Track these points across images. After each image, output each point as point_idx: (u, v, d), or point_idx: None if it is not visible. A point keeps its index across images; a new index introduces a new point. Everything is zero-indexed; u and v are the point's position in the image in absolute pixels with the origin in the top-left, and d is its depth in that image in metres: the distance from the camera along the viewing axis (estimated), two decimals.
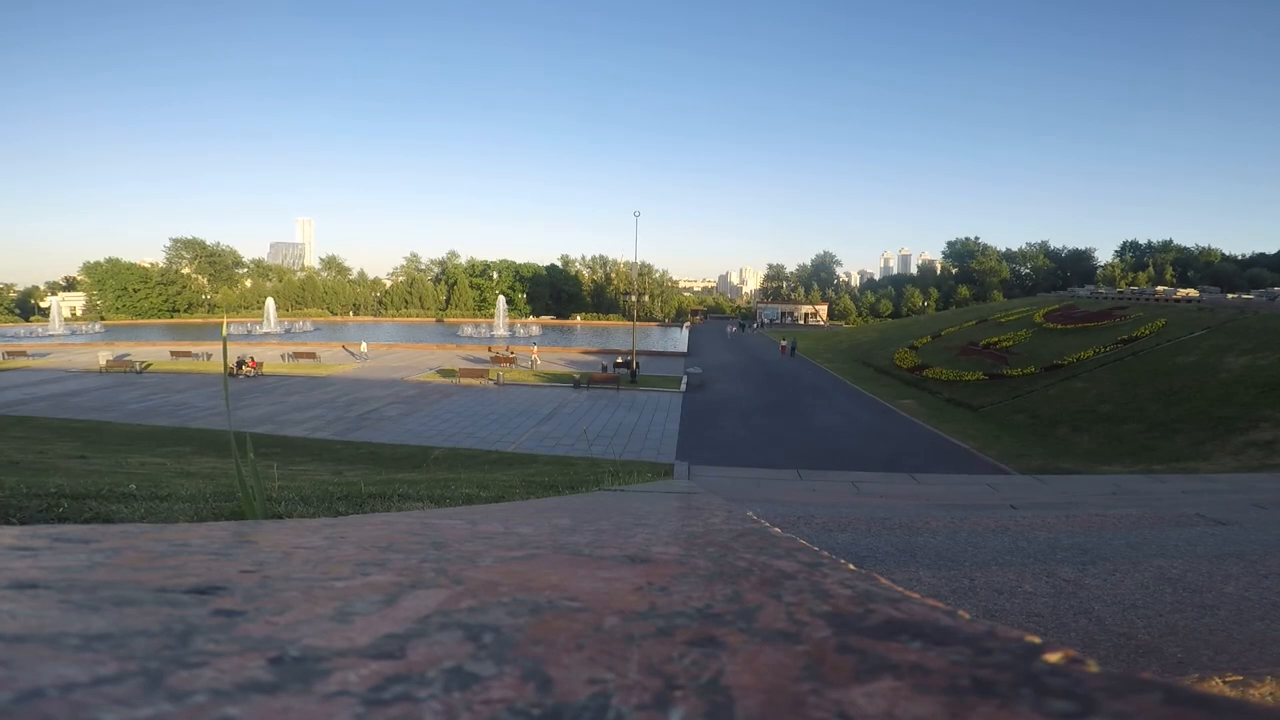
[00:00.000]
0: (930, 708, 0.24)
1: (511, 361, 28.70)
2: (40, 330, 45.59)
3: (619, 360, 27.42)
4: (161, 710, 0.22)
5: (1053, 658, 0.29)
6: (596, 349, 38.60)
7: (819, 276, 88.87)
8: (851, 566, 0.51)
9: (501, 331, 46.98)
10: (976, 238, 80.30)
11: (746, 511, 0.97)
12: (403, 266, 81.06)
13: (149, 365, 26.35)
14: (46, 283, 77.28)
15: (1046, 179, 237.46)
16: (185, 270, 69.00)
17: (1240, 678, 0.96)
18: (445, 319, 69.42)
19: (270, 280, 75.02)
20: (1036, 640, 0.31)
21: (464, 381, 23.75)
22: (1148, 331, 22.51)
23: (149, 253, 76.49)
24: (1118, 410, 16.97)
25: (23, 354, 30.59)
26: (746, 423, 17.11)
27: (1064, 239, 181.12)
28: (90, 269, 64.37)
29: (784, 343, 37.56)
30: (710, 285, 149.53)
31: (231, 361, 24.75)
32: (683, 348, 38.91)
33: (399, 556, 0.49)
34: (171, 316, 63.64)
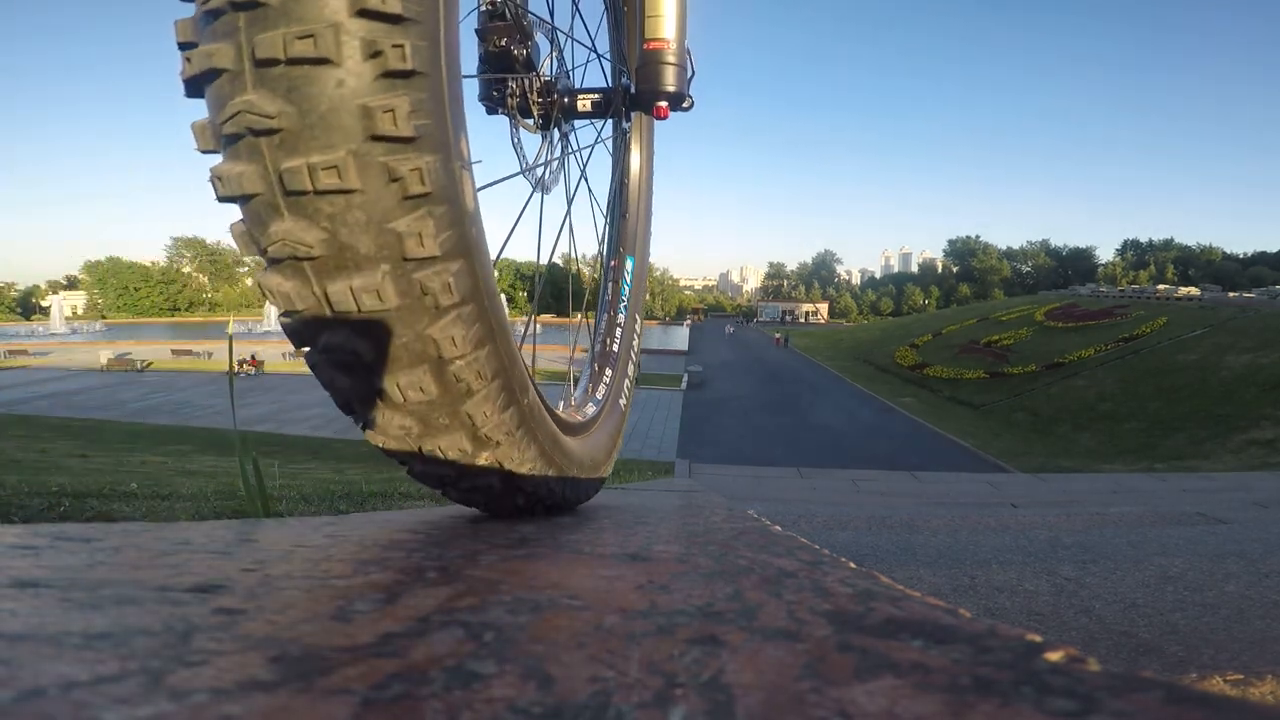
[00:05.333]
0: (931, 706, 0.24)
1: None
2: (41, 329, 45.61)
3: None
4: (163, 709, 0.22)
5: (1053, 656, 0.29)
6: None
7: (820, 274, 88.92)
8: (852, 565, 0.51)
9: None
10: (977, 236, 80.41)
11: (747, 510, 0.97)
12: None
13: (150, 364, 26.31)
14: (48, 281, 77.29)
15: (1048, 177, 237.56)
16: (186, 269, 69.17)
17: (1241, 676, 0.96)
18: None
19: None
20: (1037, 639, 0.31)
21: None
22: (1149, 330, 22.50)
23: (150, 251, 76.89)
24: (1119, 409, 16.98)
25: (24, 353, 30.67)
26: (747, 421, 17.11)
27: (1065, 237, 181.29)
28: (91, 268, 64.58)
29: (778, 335, 44.05)
30: (711, 284, 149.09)
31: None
32: (683, 346, 38.91)
33: (400, 555, 0.49)
34: (172, 315, 63.74)
